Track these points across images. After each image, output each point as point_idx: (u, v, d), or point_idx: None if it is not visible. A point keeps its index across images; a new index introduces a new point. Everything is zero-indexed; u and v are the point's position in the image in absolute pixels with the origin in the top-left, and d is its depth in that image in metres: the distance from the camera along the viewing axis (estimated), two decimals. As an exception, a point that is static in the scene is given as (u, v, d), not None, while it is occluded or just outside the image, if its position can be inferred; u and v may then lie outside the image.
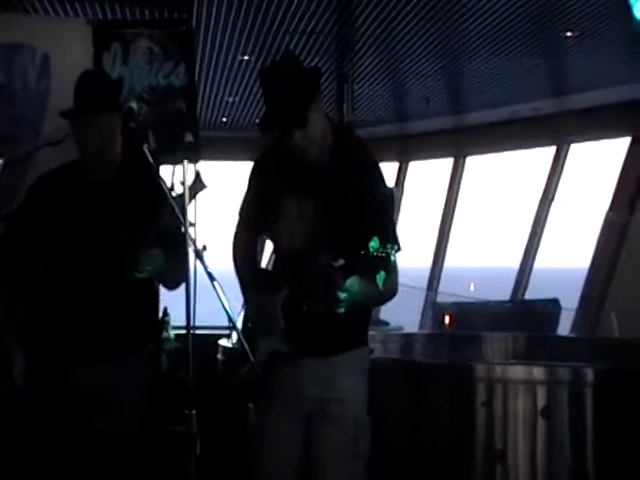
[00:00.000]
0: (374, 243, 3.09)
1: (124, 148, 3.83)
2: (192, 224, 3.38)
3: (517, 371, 4.04)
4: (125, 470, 3.72)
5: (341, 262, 3.17)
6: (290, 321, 3.42)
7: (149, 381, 3.90)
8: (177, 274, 3.56)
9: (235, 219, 3.73)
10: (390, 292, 3.54)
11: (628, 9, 3.16)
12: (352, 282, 3.21)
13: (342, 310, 3.25)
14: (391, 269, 3.15)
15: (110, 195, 3.74)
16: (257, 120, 3.54)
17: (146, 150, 3.56)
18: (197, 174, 3.41)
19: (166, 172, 3.52)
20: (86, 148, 3.75)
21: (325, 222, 3.42)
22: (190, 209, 3.37)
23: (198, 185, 3.40)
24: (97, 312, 3.63)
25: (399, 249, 3.31)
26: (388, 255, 3.09)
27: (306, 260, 3.35)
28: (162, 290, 4.60)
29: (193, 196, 3.39)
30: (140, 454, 3.81)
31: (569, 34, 6.77)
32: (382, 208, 3.47)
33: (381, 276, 3.13)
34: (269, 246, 3.79)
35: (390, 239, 3.13)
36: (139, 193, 3.66)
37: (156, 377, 4.05)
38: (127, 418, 3.73)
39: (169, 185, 3.44)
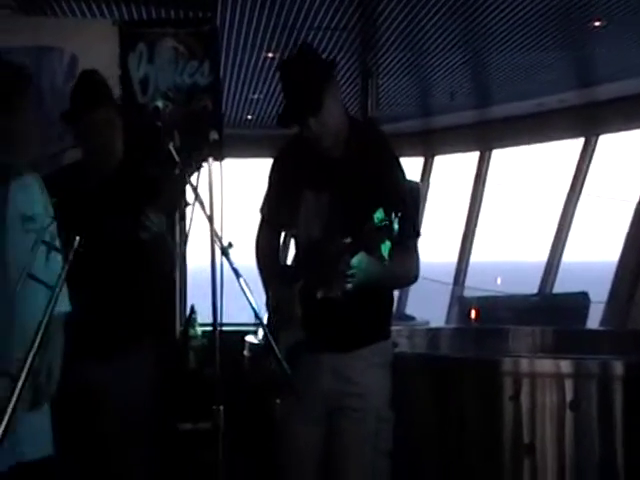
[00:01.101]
0: (379, 214, 3.10)
1: (150, 146, 3.87)
2: (187, 204, 3.45)
3: (545, 364, 4.02)
4: (134, 463, 3.76)
5: (349, 239, 3.18)
6: (307, 311, 3.43)
7: (154, 378, 3.93)
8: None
9: (259, 216, 3.76)
10: (408, 275, 3.55)
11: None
12: (360, 258, 3.21)
13: (351, 287, 3.24)
14: (395, 239, 3.14)
15: (108, 191, 3.80)
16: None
17: (171, 148, 3.58)
18: (213, 137, 3.47)
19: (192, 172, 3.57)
20: (87, 146, 3.84)
21: (340, 212, 3.43)
22: (216, 205, 3.41)
23: (211, 142, 3.46)
24: (98, 309, 3.68)
25: (418, 235, 3.32)
26: (392, 224, 3.09)
27: (320, 247, 3.37)
28: (189, 288, 4.61)
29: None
30: (148, 448, 3.84)
31: (597, 24, 6.73)
32: (400, 198, 3.46)
33: (386, 246, 3.13)
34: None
35: (395, 210, 3.12)
36: (138, 182, 3.74)
37: (178, 373, 4.06)
38: (132, 414, 3.76)
39: (195, 183, 3.47)
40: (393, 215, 3.10)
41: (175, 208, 3.56)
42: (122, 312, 3.74)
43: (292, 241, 3.75)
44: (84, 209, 3.71)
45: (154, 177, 3.55)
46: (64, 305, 3.25)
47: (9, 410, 2.61)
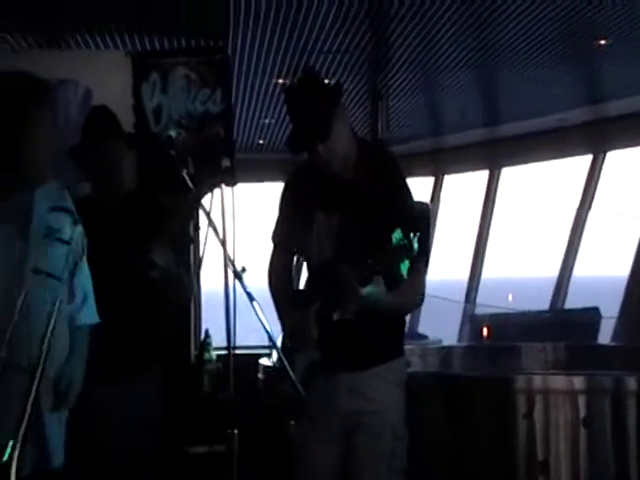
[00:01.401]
0: (397, 234, 3.14)
1: (164, 174, 3.91)
2: (198, 228, 3.46)
3: (557, 381, 4.02)
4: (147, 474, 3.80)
5: (370, 261, 3.21)
6: (323, 332, 3.45)
7: (160, 403, 3.98)
8: (188, 284, 3.64)
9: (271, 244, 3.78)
10: (417, 296, 3.57)
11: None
12: (375, 285, 3.25)
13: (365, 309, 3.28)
14: (414, 259, 3.17)
15: (117, 220, 3.85)
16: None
17: (185, 176, 3.62)
18: (226, 165, 3.50)
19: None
20: (96, 178, 3.91)
21: (350, 233, 3.45)
22: (229, 230, 3.43)
23: (226, 171, 3.49)
24: (115, 328, 3.67)
25: (427, 256, 3.34)
26: (411, 243, 3.12)
27: (334, 269, 3.39)
28: (204, 312, 4.62)
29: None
30: (151, 472, 3.87)
31: (602, 42, 6.74)
32: (408, 217, 3.49)
33: (405, 265, 3.16)
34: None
35: (413, 234, 3.16)
36: (147, 212, 3.78)
37: (193, 397, 4.08)
38: (133, 436, 3.81)
39: (207, 208, 3.49)
40: (412, 235, 3.14)
41: (182, 240, 3.58)
42: (131, 339, 3.77)
43: (304, 265, 3.78)
44: (93, 245, 3.75)
45: (161, 209, 3.57)
46: (91, 317, 3.28)
47: (28, 408, 2.66)
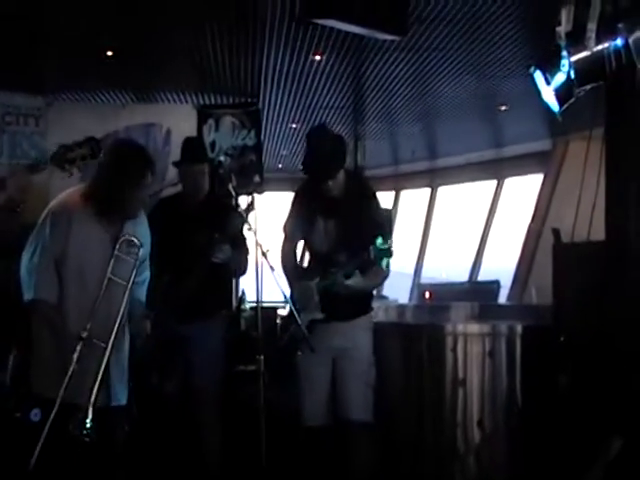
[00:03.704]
0: (380, 240, 3.15)
1: (217, 186, 3.91)
2: (253, 229, 3.48)
3: (473, 327, 4.00)
4: (211, 390, 3.78)
5: (358, 258, 3.24)
6: (323, 297, 3.45)
7: (224, 335, 3.95)
8: (240, 264, 3.62)
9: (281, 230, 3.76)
10: (381, 281, 3.58)
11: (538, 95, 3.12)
12: (356, 276, 3.29)
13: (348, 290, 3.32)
14: (390, 257, 3.20)
15: (198, 213, 3.82)
16: (300, 166, 3.55)
17: (230, 187, 3.62)
18: (251, 200, 3.49)
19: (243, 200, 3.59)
20: (189, 181, 3.87)
21: (341, 234, 3.46)
22: (252, 221, 3.45)
23: (250, 207, 3.49)
24: (192, 289, 3.69)
25: (391, 252, 3.33)
26: (390, 247, 3.13)
27: (330, 259, 3.41)
28: (242, 278, 4.57)
29: (247, 213, 3.48)
30: (219, 381, 3.86)
31: (503, 108, 6.72)
32: (380, 222, 3.49)
33: (385, 262, 3.18)
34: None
35: (388, 239, 3.18)
36: (215, 212, 3.73)
37: (235, 333, 4.07)
38: (211, 353, 3.79)
39: (244, 207, 3.50)
40: (389, 240, 3.19)
41: (236, 236, 3.56)
42: (206, 296, 3.74)
43: (307, 252, 3.76)
44: (183, 223, 3.74)
45: (226, 213, 3.54)
46: (143, 295, 3.10)
47: (102, 369, 2.64)
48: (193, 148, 3.96)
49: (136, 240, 2.89)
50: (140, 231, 2.99)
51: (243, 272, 3.76)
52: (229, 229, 3.58)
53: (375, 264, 3.24)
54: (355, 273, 3.28)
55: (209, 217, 3.72)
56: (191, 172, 3.85)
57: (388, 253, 3.18)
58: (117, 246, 2.86)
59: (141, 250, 2.90)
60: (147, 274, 3.09)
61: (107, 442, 2.85)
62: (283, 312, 4.95)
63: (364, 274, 3.32)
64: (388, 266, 3.27)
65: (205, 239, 3.61)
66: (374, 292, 3.83)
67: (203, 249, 3.60)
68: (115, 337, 2.74)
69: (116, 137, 5.24)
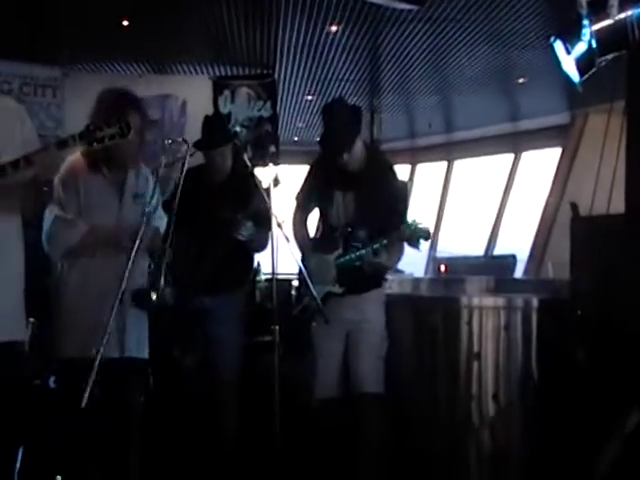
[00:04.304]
0: (407, 222, 3.23)
1: (233, 157, 3.86)
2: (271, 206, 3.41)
3: (488, 301, 3.96)
4: (230, 366, 3.78)
5: (385, 240, 3.28)
6: (340, 272, 3.43)
7: (245, 307, 3.96)
8: (263, 241, 3.59)
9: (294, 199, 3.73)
10: (400, 257, 3.56)
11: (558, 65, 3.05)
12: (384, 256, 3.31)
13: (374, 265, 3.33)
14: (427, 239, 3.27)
15: (223, 189, 3.79)
16: (317, 139, 3.52)
17: (245, 158, 3.58)
18: (276, 175, 3.42)
19: (258, 171, 3.55)
20: (210, 163, 3.82)
21: (360, 207, 3.43)
22: (273, 196, 3.40)
23: (276, 182, 3.42)
24: (215, 262, 3.69)
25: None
26: (428, 229, 3.25)
27: (350, 233, 3.41)
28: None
29: (274, 187, 3.41)
30: (240, 350, 3.86)
31: (521, 80, 6.63)
32: (398, 195, 3.46)
33: (420, 242, 3.20)
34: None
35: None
36: (239, 189, 3.68)
37: (250, 305, 4.07)
38: (231, 327, 3.79)
39: (270, 181, 3.45)
40: (415, 221, 3.24)
41: (259, 213, 3.52)
42: (227, 268, 3.74)
43: (321, 224, 3.73)
44: (208, 197, 3.72)
45: (249, 188, 3.49)
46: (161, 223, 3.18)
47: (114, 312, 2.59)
48: (213, 129, 3.87)
49: (140, 190, 3.00)
50: (141, 183, 3.07)
51: (264, 248, 3.74)
52: (252, 206, 3.55)
53: (401, 242, 3.25)
54: (383, 251, 3.27)
55: (233, 192, 3.69)
56: (212, 155, 3.80)
57: (426, 235, 3.20)
58: (122, 198, 2.98)
59: (148, 199, 2.94)
60: (161, 223, 3.14)
61: (122, 398, 2.90)
62: (297, 283, 4.96)
63: (389, 252, 3.30)
64: (419, 246, 3.28)
65: (229, 215, 3.59)
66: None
67: (227, 225, 3.57)
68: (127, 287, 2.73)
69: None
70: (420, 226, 3.20)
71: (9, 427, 2.58)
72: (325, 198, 3.55)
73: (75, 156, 3.00)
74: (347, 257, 3.42)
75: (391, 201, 3.31)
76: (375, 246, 3.29)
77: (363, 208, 3.42)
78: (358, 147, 3.43)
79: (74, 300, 2.94)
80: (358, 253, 3.36)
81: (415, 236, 3.23)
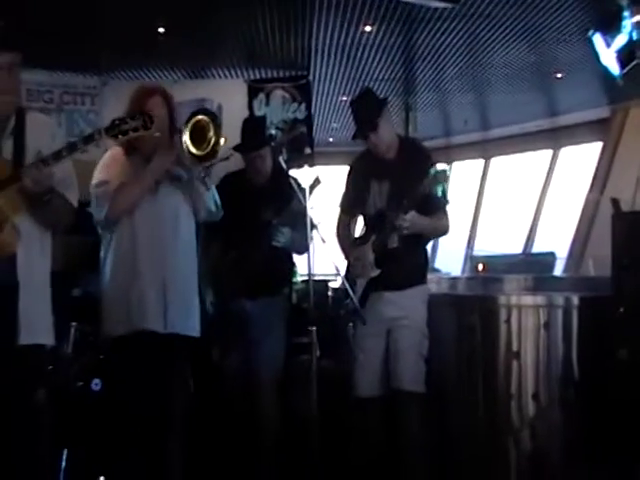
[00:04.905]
0: (433, 169, 3.22)
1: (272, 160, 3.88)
2: (312, 208, 3.41)
3: (527, 299, 3.92)
4: (274, 362, 3.79)
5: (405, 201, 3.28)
6: (378, 259, 3.43)
7: (285, 310, 3.96)
8: (301, 244, 3.59)
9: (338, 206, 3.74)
10: (443, 228, 3.55)
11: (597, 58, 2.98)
12: (412, 214, 3.28)
13: (407, 232, 3.30)
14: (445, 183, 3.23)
15: (262, 192, 3.80)
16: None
17: (281, 160, 3.59)
18: (316, 177, 3.44)
19: (294, 173, 3.56)
20: (250, 165, 3.84)
21: (395, 193, 3.42)
22: (311, 198, 3.40)
23: (316, 183, 3.43)
24: (256, 266, 3.69)
25: (448, 202, 3.32)
26: (445, 170, 3.22)
27: (383, 214, 3.43)
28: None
29: (312, 189, 3.41)
30: (283, 353, 3.87)
31: (559, 75, 6.52)
32: (435, 182, 3.43)
33: (440, 188, 3.22)
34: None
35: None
36: (279, 192, 3.68)
37: (290, 307, 4.08)
38: (274, 331, 3.80)
39: (310, 183, 3.46)
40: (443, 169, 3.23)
41: (298, 217, 3.53)
42: (268, 271, 3.75)
43: (361, 220, 3.73)
44: (247, 201, 3.73)
45: (288, 192, 3.50)
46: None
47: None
48: (251, 133, 3.87)
49: (175, 171, 3.10)
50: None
51: (305, 250, 3.74)
52: (291, 208, 3.56)
53: (434, 203, 3.25)
54: (411, 209, 3.25)
55: (274, 195, 3.70)
56: (251, 158, 3.82)
57: (443, 177, 3.16)
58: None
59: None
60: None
61: (164, 375, 3.01)
62: (334, 285, 4.96)
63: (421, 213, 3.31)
64: (445, 195, 3.24)
65: (271, 217, 3.61)
66: (427, 266, 3.77)
67: (265, 230, 3.59)
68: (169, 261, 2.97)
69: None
70: (436, 172, 3.17)
71: (52, 429, 2.65)
72: (362, 188, 3.57)
73: (115, 148, 3.16)
74: (379, 237, 3.40)
75: (427, 189, 3.29)
76: (402, 207, 3.28)
77: (398, 194, 3.41)
78: (387, 132, 3.44)
79: (116, 277, 3.05)
80: (388, 221, 3.35)
81: (433, 183, 3.19)
